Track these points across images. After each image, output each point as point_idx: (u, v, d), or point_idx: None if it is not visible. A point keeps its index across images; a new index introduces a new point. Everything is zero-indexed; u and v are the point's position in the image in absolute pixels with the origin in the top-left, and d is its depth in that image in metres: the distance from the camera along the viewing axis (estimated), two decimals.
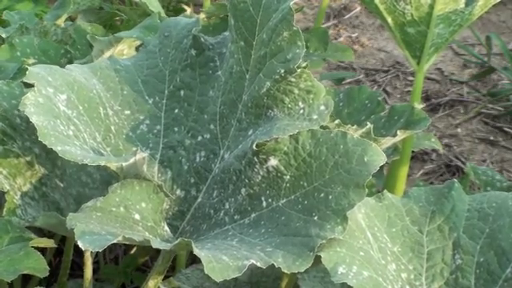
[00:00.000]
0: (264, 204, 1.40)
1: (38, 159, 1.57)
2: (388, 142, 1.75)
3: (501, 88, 3.23)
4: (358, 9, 3.81)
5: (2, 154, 1.52)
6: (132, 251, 2.03)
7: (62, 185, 1.60)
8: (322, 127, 1.40)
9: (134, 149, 1.53)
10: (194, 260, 1.86)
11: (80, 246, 1.25)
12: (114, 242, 1.26)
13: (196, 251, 1.24)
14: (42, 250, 1.45)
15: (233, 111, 1.53)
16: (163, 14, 2.21)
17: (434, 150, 2.87)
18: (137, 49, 2.06)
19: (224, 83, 1.57)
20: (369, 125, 1.64)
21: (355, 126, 1.62)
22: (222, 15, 2.26)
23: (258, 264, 1.25)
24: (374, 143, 1.33)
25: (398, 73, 3.35)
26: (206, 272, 1.21)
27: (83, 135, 1.49)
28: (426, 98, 3.17)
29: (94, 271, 1.67)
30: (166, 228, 1.48)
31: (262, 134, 1.42)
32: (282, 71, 1.42)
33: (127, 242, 1.33)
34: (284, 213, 1.36)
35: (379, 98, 2.07)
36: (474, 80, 3.28)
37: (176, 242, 1.28)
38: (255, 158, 1.41)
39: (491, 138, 2.97)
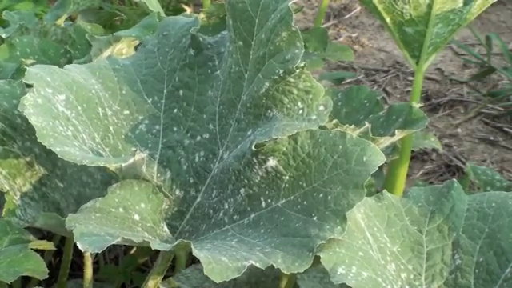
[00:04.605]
0: (263, 204, 1.40)
1: (38, 159, 1.57)
2: (386, 141, 1.75)
3: (501, 88, 3.23)
4: (358, 9, 3.80)
5: (1, 155, 1.52)
6: (132, 251, 2.03)
7: (62, 185, 1.59)
8: (320, 127, 1.39)
9: (133, 149, 1.53)
10: (193, 260, 1.86)
11: (79, 247, 1.25)
12: (114, 243, 1.25)
13: (195, 252, 1.24)
14: (42, 251, 1.45)
15: (232, 111, 1.53)
16: (163, 14, 2.21)
17: (433, 150, 2.87)
18: (136, 48, 2.06)
19: (223, 83, 1.57)
20: (367, 124, 1.64)
21: (353, 126, 1.62)
22: (222, 15, 2.26)
23: (258, 265, 1.25)
24: (373, 143, 1.33)
25: (398, 73, 3.35)
26: (205, 273, 1.21)
27: (82, 136, 1.49)
28: (426, 97, 3.17)
29: (94, 271, 1.67)
30: (166, 228, 1.48)
31: (261, 135, 1.41)
32: (281, 71, 1.42)
33: (127, 244, 1.33)
34: (283, 213, 1.36)
35: (378, 98, 2.07)
36: (474, 80, 3.28)
37: (175, 243, 1.28)
38: (254, 159, 1.41)
39: (491, 138, 2.96)
